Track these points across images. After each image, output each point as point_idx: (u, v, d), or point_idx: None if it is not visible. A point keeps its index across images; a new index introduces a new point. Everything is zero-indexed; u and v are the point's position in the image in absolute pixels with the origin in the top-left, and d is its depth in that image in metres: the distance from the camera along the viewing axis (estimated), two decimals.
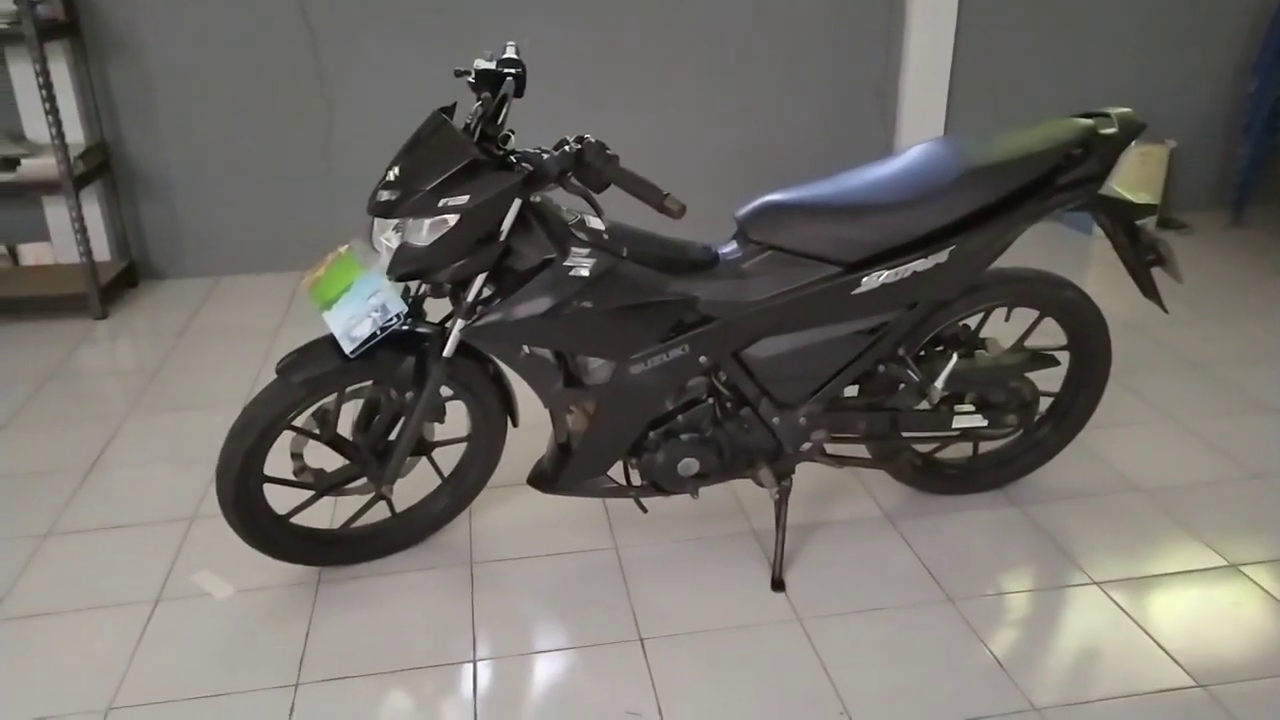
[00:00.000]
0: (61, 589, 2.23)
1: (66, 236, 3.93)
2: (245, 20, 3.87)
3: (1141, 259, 2.24)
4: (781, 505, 2.26)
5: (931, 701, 1.87)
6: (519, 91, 1.96)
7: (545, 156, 1.83)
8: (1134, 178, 4.35)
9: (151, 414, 3.05)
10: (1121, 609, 2.11)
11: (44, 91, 3.47)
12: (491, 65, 1.93)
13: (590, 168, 1.80)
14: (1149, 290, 2.31)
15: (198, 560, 2.32)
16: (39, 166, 3.64)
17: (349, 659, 2.00)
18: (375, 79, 4.00)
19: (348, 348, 1.88)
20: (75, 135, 3.83)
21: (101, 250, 4.03)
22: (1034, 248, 4.21)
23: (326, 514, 2.42)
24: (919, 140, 2.14)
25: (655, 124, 4.28)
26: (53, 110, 3.49)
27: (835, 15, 4.24)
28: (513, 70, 1.93)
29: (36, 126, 3.78)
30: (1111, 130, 2.10)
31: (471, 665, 1.99)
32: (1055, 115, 2.20)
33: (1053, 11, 4.38)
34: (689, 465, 2.15)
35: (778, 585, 2.20)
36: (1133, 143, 2.12)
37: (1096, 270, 4.07)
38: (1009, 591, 2.18)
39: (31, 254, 4.07)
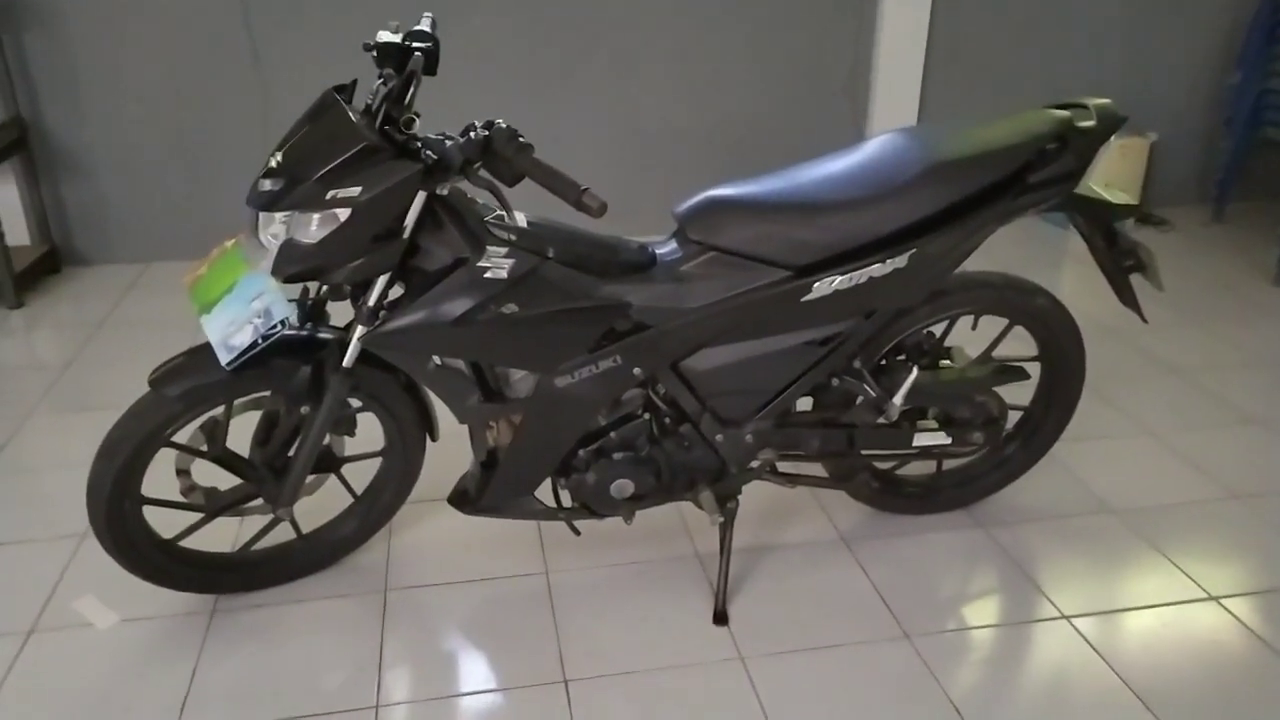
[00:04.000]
0: None
1: None
2: None
3: (1119, 264, 2.06)
4: (726, 530, 2.06)
5: None
6: (430, 69, 1.73)
7: (449, 144, 1.61)
8: (1113, 172, 4.17)
9: (57, 413, 2.81)
10: (1091, 646, 1.93)
11: None
12: (397, 38, 1.71)
13: (499, 157, 1.59)
14: (1127, 298, 2.12)
15: (84, 583, 2.10)
16: None
17: (237, 704, 1.79)
18: (314, 55, 3.74)
19: (224, 358, 1.66)
20: None
21: (21, 234, 3.76)
22: (1008, 244, 4.02)
23: (230, 534, 2.20)
24: (891, 128, 1.94)
25: (612, 108, 4.05)
26: None
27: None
28: (422, 45, 1.70)
29: None
30: (1089, 123, 1.90)
31: (373, 712, 1.78)
32: (1031, 105, 2.01)
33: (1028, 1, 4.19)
34: (623, 487, 1.95)
35: (720, 618, 2.00)
36: (1112, 137, 1.91)
37: (1074, 269, 3.89)
38: (970, 626, 1.99)
39: None
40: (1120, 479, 2.48)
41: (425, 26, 1.78)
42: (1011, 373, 2.11)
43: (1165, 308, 3.47)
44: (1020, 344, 2.23)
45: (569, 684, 1.84)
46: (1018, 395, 2.25)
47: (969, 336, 2.26)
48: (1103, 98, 1.98)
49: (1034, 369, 2.22)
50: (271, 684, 1.84)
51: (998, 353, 2.17)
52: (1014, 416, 2.28)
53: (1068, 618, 2.01)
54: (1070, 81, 4.32)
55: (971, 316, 2.13)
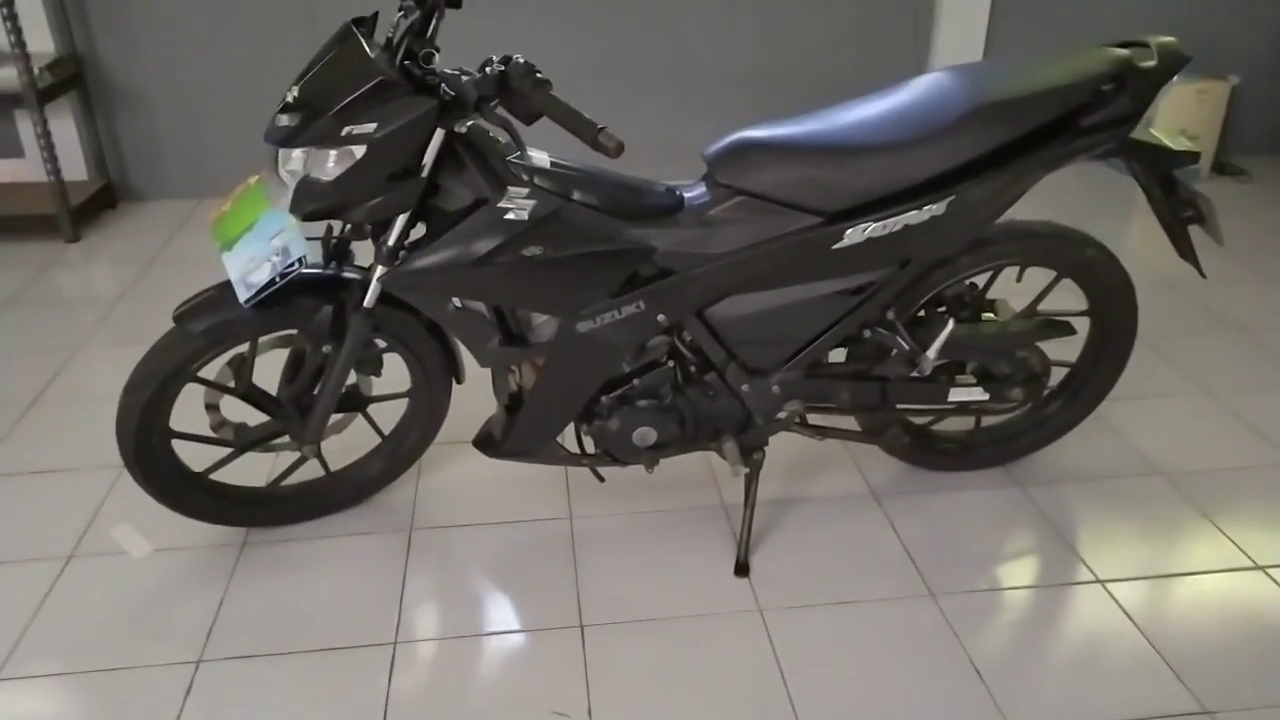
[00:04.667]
0: None
1: (40, 153, 3.73)
2: None
3: (1178, 215, 1.94)
4: (752, 480, 2.03)
5: (892, 713, 1.66)
6: (454, 2, 1.69)
7: (465, 80, 1.57)
8: (1190, 117, 3.96)
9: (106, 346, 2.87)
10: (1126, 613, 1.87)
11: None
12: None
13: (516, 94, 1.54)
14: (1185, 250, 2.01)
15: (122, 513, 2.15)
16: (3, 77, 3.42)
17: (259, 635, 1.83)
18: None
19: (242, 295, 1.65)
20: (44, 45, 3.60)
21: (78, 169, 3.83)
22: (1071, 191, 3.86)
23: (265, 469, 2.23)
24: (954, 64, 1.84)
25: (666, 43, 3.95)
26: (10, 16, 3.27)
27: None
28: None
29: (3, 36, 3.55)
30: (1150, 63, 1.78)
31: (391, 648, 1.80)
32: (1104, 43, 1.88)
33: None
34: (645, 435, 1.92)
35: (741, 570, 1.98)
36: (1174, 78, 1.79)
37: (1140, 218, 3.71)
38: (1000, 588, 1.94)
39: (7, 170, 3.88)
40: (1172, 440, 2.38)
41: None
42: (1056, 328, 2.02)
43: (1234, 262, 3.30)
44: (1070, 297, 2.13)
45: (585, 629, 1.84)
46: (1064, 351, 2.16)
47: (1016, 289, 2.17)
48: (1167, 36, 1.83)
49: (1082, 324, 2.13)
50: (294, 616, 1.87)
51: (1044, 306, 2.08)
52: (1060, 373, 2.20)
53: (1102, 582, 1.95)
54: (1150, 17, 4.09)
55: (1016, 268, 2.04)
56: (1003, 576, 1.97)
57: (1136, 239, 3.52)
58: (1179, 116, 3.96)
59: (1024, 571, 1.98)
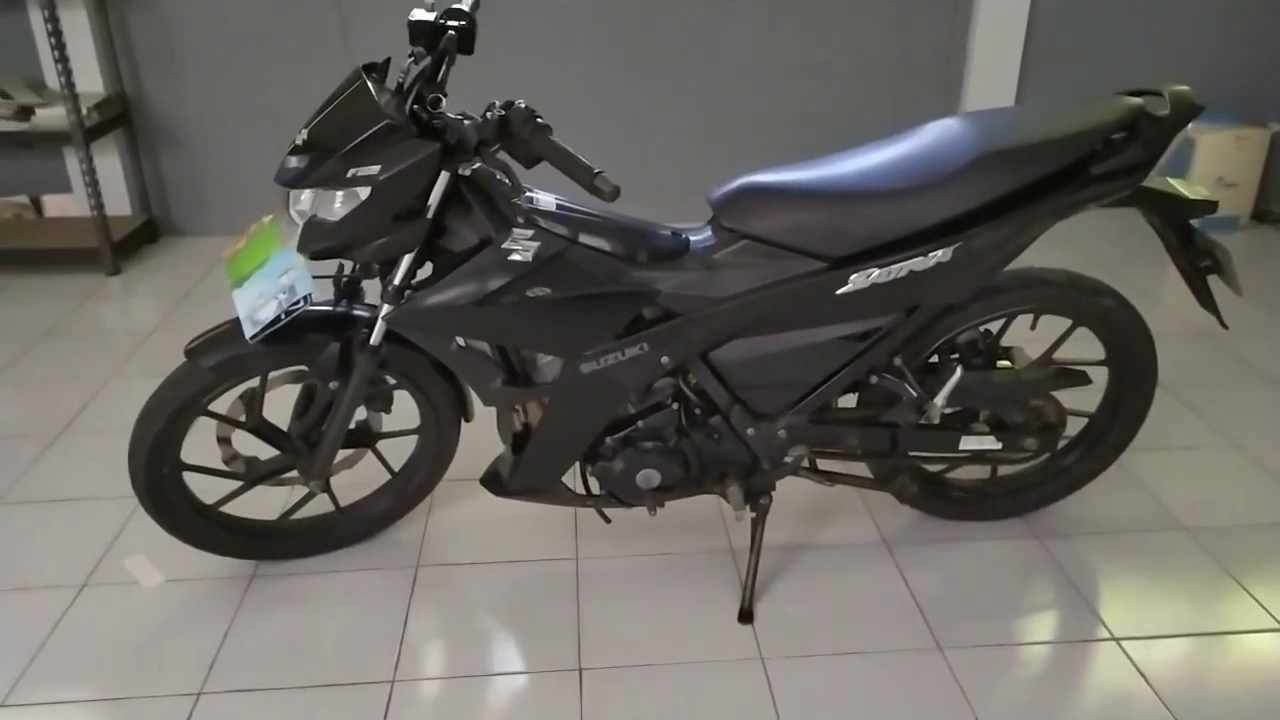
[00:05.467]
0: None
1: (85, 189, 3.85)
2: None
3: (1195, 265, 1.90)
4: (758, 525, 2.01)
5: None
6: (466, 48, 1.72)
7: (466, 124, 1.60)
8: (1230, 164, 3.90)
9: (137, 377, 2.94)
10: (1140, 672, 1.81)
11: (53, 39, 3.37)
12: (430, 17, 1.70)
13: (516, 139, 1.56)
14: (1205, 300, 1.97)
15: (137, 543, 2.19)
16: (53, 116, 3.55)
17: (260, 669, 1.84)
18: (401, 33, 3.79)
19: (249, 331, 1.69)
20: (94, 85, 3.74)
21: (122, 204, 3.95)
22: (1103, 237, 3.82)
23: (277, 503, 2.25)
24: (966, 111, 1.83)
25: (699, 85, 3.99)
26: (62, 59, 3.39)
27: None
28: (456, 24, 1.69)
29: (56, 77, 3.69)
30: (1163, 112, 1.76)
31: (389, 687, 1.80)
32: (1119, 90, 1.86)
33: None
34: (649, 477, 1.91)
35: (745, 616, 1.95)
36: (1188, 127, 1.76)
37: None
38: (1010, 643, 1.89)
39: (56, 205, 4.02)
40: (1197, 494, 2.31)
41: (464, 5, 1.77)
42: (1071, 377, 1.99)
43: (1271, 311, 3.22)
44: (1089, 345, 2.09)
45: (583, 672, 1.83)
46: (1082, 401, 2.12)
47: (1033, 337, 2.14)
48: (1183, 85, 1.81)
49: (1101, 374, 2.09)
50: (296, 651, 1.88)
51: (1063, 355, 2.05)
52: (1078, 424, 2.16)
53: (1118, 640, 1.89)
54: (1187, 64, 4.05)
55: (1031, 315, 2.01)
56: (1014, 631, 1.92)
57: (1171, 287, 3.46)
58: (1218, 163, 3.90)
59: (1036, 626, 1.93)
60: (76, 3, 3.63)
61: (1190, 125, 3.86)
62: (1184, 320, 3.15)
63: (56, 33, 3.37)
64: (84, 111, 3.51)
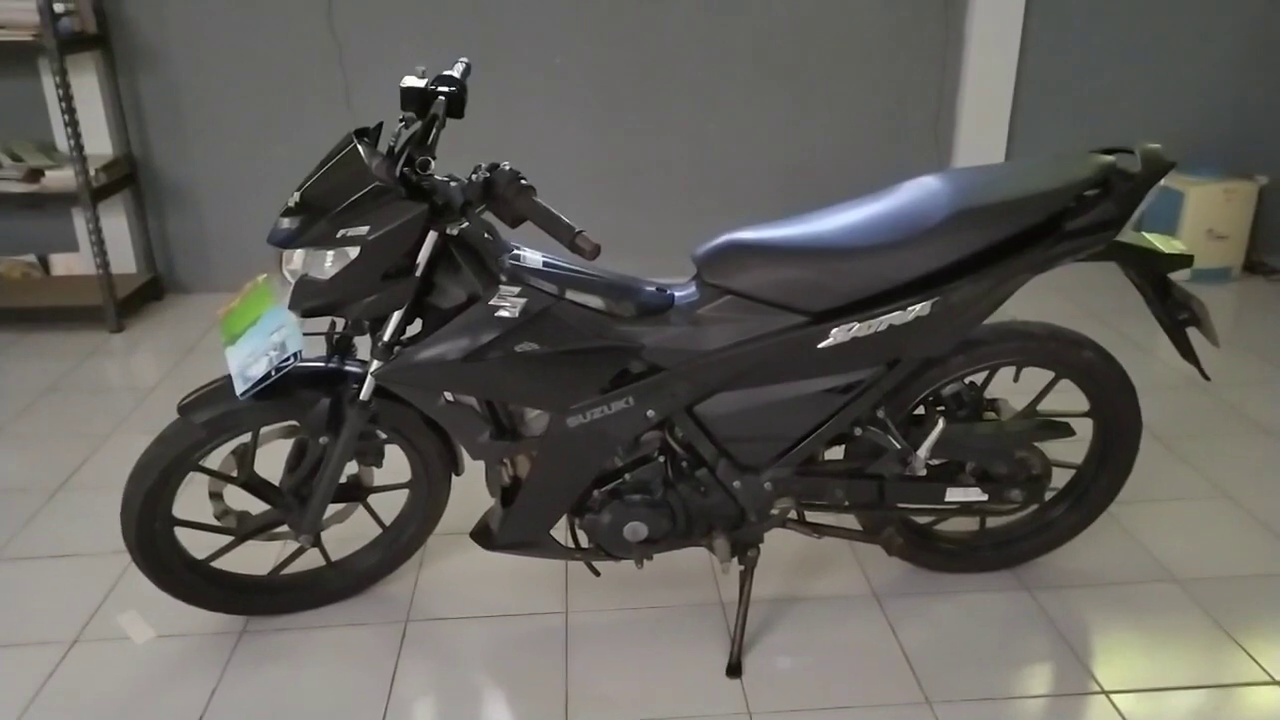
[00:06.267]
0: None
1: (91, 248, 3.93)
2: (272, 35, 3.82)
3: (1174, 318, 1.93)
4: (746, 578, 2.02)
5: None
6: (456, 113, 1.78)
7: (453, 185, 1.65)
8: (1219, 216, 3.95)
9: (137, 434, 2.97)
10: None
11: (63, 104, 3.46)
12: (421, 84, 1.76)
13: (500, 200, 1.61)
14: (1185, 351, 1.99)
15: (130, 598, 2.20)
16: (62, 178, 3.64)
17: None
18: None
19: (239, 388, 1.72)
20: (103, 147, 3.83)
21: (128, 263, 4.03)
22: (1101, 291, 3.85)
23: (269, 557, 2.27)
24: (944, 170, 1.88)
25: (691, 143, 4.07)
26: (72, 122, 3.48)
27: (888, 32, 3.97)
28: (446, 90, 1.75)
29: (65, 140, 3.79)
30: (1135, 169, 1.80)
31: None
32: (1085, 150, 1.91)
33: (1134, 32, 4.02)
34: (636, 529, 1.93)
35: (733, 670, 1.95)
36: (1159, 184, 1.80)
37: None
38: (999, 696, 1.88)
39: (63, 264, 4.09)
40: (1188, 545, 2.31)
41: (455, 72, 1.83)
42: (1054, 429, 2.00)
43: (1265, 363, 3.24)
44: (1075, 398, 2.11)
45: None
46: (1069, 452, 2.13)
47: (1016, 389, 2.16)
48: (1154, 143, 1.86)
49: (1087, 425, 2.10)
50: (283, 708, 1.88)
51: (1049, 407, 2.07)
52: (1065, 476, 2.17)
53: (1108, 693, 1.88)
54: (1174, 118, 4.12)
55: (1013, 368, 2.04)
56: (1004, 684, 1.91)
57: (1165, 339, 3.45)
58: (1208, 216, 3.95)
59: (1025, 679, 1.92)
60: (87, 68, 3.74)
61: (1180, 178, 3.94)
62: (1177, 371, 3.17)
63: (67, 97, 3.46)
64: (92, 173, 3.59)
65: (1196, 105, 4.13)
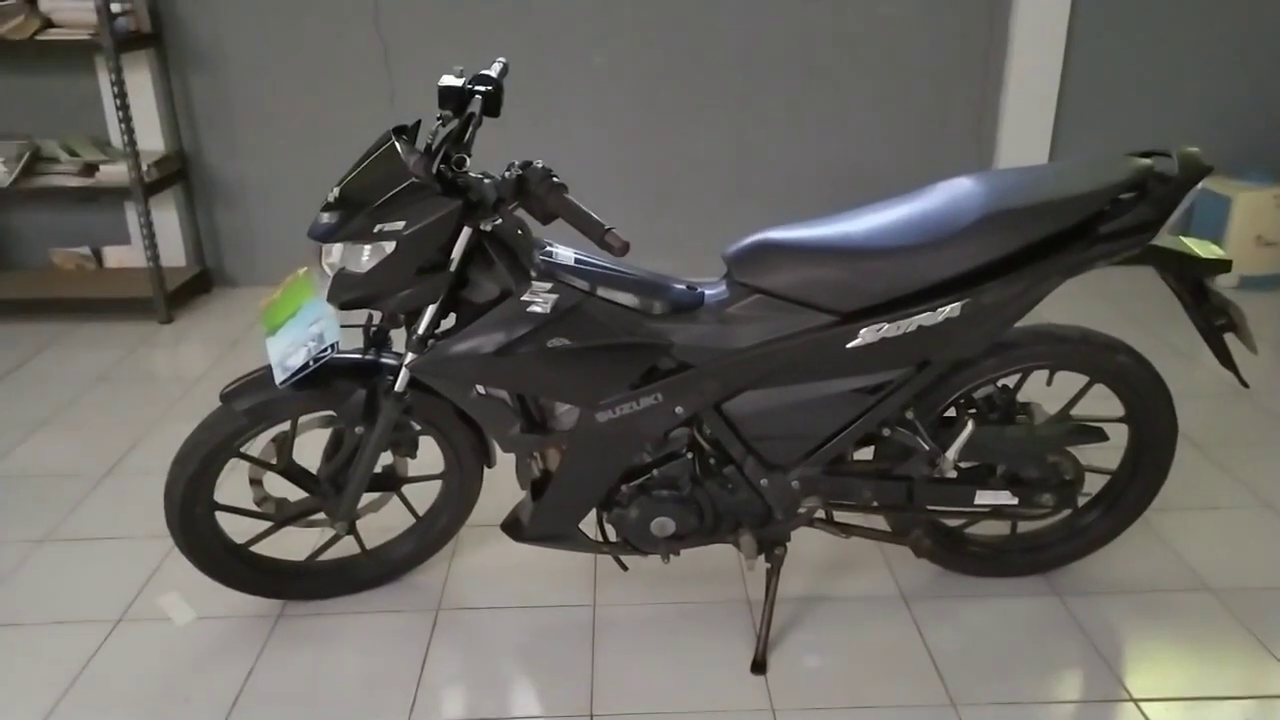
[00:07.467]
0: (35, 600, 2.21)
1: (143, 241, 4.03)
2: (320, 35, 3.89)
3: (1211, 324, 1.91)
4: (773, 576, 2.03)
5: None
6: (493, 111, 1.81)
7: (486, 183, 1.68)
8: (1267, 222, 3.87)
9: (181, 421, 3.04)
10: None
11: (118, 100, 3.56)
12: (459, 83, 1.79)
13: (533, 197, 1.64)
14: (1224, 358, 1.97)
15: (172, 580, 2.26)
16: (115, 173, 3.74)
17: (279, 708, 1.89)
18: None
19: (278, 377, 1.77)
20: (155, 143, 3.93)
21: (178, 256, 4.13)
22: (1138, 293, 3.80)
23: (306, 544, 2.32)
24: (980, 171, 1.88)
25: (732, 143, 4.08)
26: (126, 119, 3.58)
27: (931, 32, 3.94)
28: (483, 89, 1.78)
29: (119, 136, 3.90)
30: (1172, 172, 1.78)
31: None
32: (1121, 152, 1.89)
33: (1182, 33, 3.96)
34: (663, 525, 1.95)
35: (758, 667, 1.96)
36: (1196, 187, 1.78)
37: None
38: (1026, 701, 1.87)
39: (115, 256, 4.20)
40: (1225, 554, 2.28)
41: (493, 72, 1.86)
42: (1087, 433, 1.99)
43: None
44: (1111, 402, 2.09)
45: (594, 718, 1.85)
46: (1104, 458, 2.12)
47: (1055, 394, 2.15)
48: (1191, 146, 1.84)
49: (1121, 430, 2.08)
50: (314, 691, 1.93)
51: (1083, 412, 2.05)
52: (1099, 482, 2.15)
53: (1136, 701, 1.86)
54: (1221, 121, 4.05)
55: (1047, 372, 2.02)
56: (1031, 689, 1.90)
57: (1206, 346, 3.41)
58: (1256, 222, 3.88)
59: (1053, 685, 1.91)
60: (142, 66, 3.84)
61: (1228, 184, 3.88)
62: (1219, 379, 3.12)
63: (122, 94, 3.56)
64: (144, 168, 3.70)
65: (1246, 108, 4.06)
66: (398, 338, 1.94)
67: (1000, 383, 2.03)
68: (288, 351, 1.77)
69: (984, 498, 2.00)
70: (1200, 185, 1.78)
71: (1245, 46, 3.98)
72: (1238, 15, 3.94)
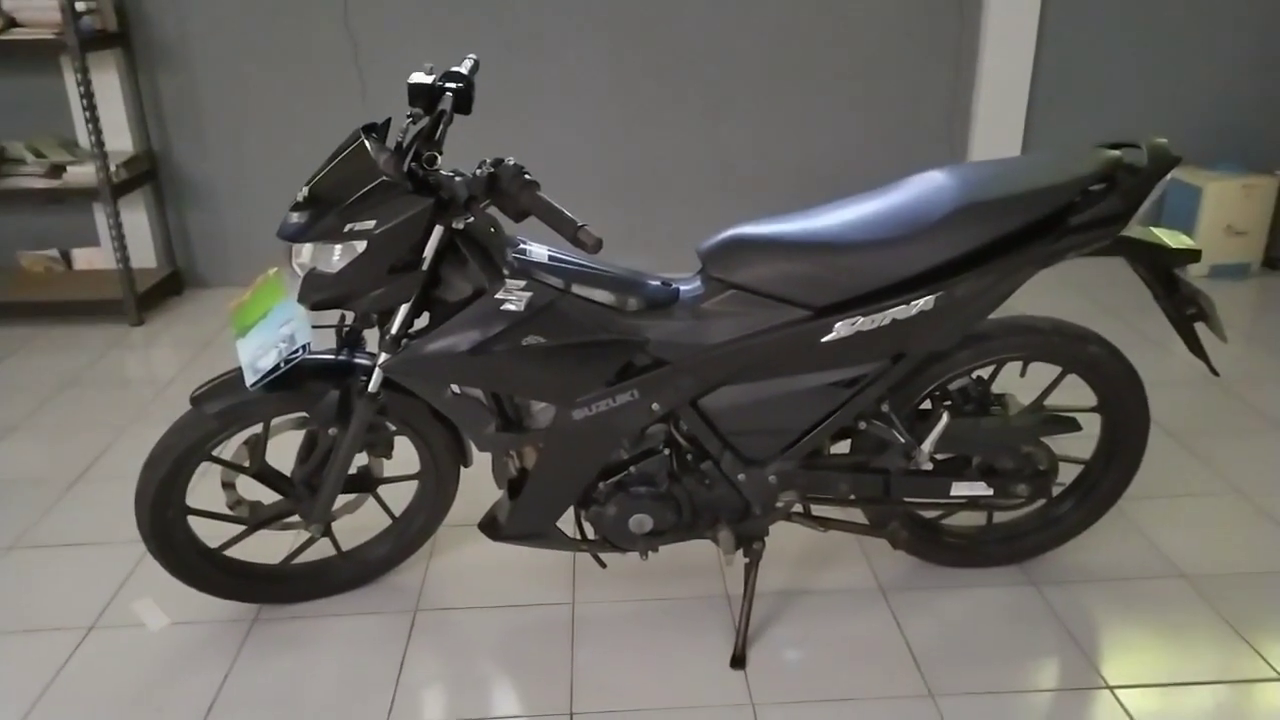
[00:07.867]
0: (5, 608, 2.18)
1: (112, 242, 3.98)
2: (289, 33, 3.86)
3: (1181, 313, 1.92)
4: (751, 570, 2.03)
5: None
6: (464, 109, 1.79)
7: (458, 180, 1.67)
8: (1239, 212, 3.91)
9: (152, 425, 3.01)
10: None
11: (85, 101, 3.51)
12: (429, 80, 1.77)
13: (505, 194, 1.63)
14: (1194, 347, 1.99)
15: (145, 586, 2.24)
16: (83, 174, 3.69)
17: (254, 713, 1.87)
18: None
19: (249, 379, 1.75)
20: (124, 144, 3.89)
21: (148, 257, 4.08)
22: (1113, 283, 3.83)
23: (281, 547, 2.30)
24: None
25: (706, 140, 4.08)
26: (93, 119, 3.53)
27: (903, 28, 3.96)
28: (453, 85, 1.77)
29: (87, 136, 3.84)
30: (1140, 163, 1.79)
31: None
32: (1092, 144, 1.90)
33: (1152, 26, 3.99)
34: (641, 521, 1.94)
35: (737, 662, 1.96)
36: (1167, 178, 1.79)
37: None
38: (1003, 690, 1.89)
39: (84, 258, 4.15)
40: (1198, 541, 2.30)
41: (463, 68, 1.84)
42: (1060, 424, 2.00)
43: None
44: (1084, 393, 2.11)
45: (574, 717, 1.84)
46: (1078, 448, 2.13)
47: (1029, 385, 2.16)
48: (1160, 137, 1.85)
49: (1094, 421, 2.10)
50: (291, 695, 1.91)
51: (1055, 402, 2.06)
52: (1073, 472, 2.17)
53: (1112, 688, 1.88)
54: (1191, 113, 4.09)
55: (1020, 363, 2.03)
56: (1008, 678, 1.91)
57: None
58: (1227, 212, 3.92)
59: (1030, 674, 1.92)
60: (109, 65, 3.79)
61: (1198, 174, 3.91)
62: (1191, 367, 3.15)
63: (89, 94, 3.51)
64: (113, 169, 3.65)
65: (1215, 100, 4.10)
66: (371, 338, 1.93)
67: (974, 374, 2.04)
68: (258, 353, 1.75)
69: (960, 489, 2.01)
70: (1169, 176, 1.80)
71: (1215, 40, 4.02)
72: (1206, 8, 3.98)
